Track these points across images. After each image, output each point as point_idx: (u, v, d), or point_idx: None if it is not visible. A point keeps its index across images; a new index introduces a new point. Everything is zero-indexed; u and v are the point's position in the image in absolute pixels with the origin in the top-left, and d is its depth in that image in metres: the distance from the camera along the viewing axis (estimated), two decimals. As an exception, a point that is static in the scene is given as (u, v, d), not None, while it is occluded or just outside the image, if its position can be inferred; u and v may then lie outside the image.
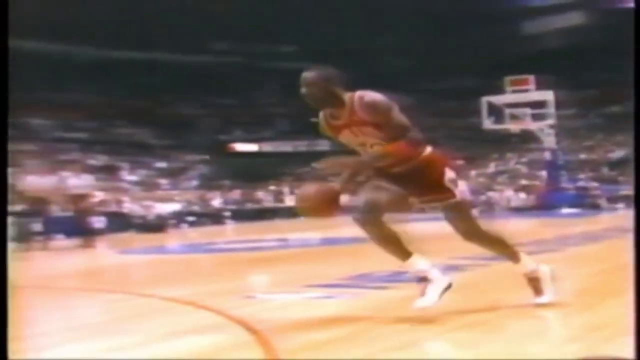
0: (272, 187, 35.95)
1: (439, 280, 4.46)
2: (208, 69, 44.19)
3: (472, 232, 4.70)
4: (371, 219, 4.43)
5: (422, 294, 4.42)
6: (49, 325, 5.54)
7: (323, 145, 43.88)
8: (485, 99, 32.40)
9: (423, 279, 4.45)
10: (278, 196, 34.60)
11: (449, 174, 4.52)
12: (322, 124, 4.62)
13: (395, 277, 5.94)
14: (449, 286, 4.48)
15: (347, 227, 5.29)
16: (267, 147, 45.49)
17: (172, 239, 21.28)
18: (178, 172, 38.75)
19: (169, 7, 39.24)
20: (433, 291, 4.41)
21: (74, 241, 18.30)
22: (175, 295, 6.37)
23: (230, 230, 25.19)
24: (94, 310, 6.50)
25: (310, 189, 4.71)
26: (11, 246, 17.78)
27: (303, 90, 4.44)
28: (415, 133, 4.43)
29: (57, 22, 36.18)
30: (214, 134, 43.66)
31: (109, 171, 32.96)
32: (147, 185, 34.26)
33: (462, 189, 4.59)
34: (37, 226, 18.60)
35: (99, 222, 20.47)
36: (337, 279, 6.55)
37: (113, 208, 25.89)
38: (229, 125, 45.08)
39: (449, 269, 5.59)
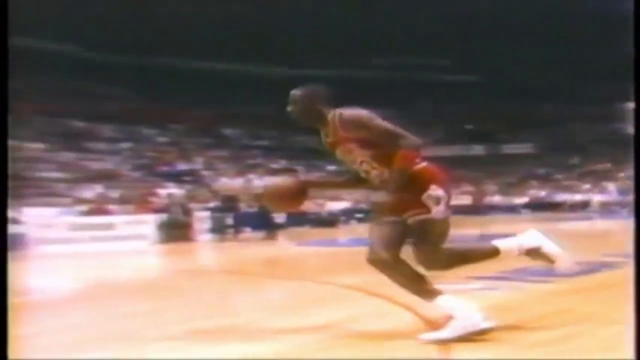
0: (429, 188, 35.71)
1: (467, 320, 3.67)
2: (370, 82, 44.43)
3: (432, 258, 3.88)
4: (390, 258, 3.85)
5: (443, 326, 3.72)
6: (242, 305, 5.67)
7: (477, 150, 43.47)
8: (630, 105, 30.85)
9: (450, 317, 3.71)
10: (434, 196, 34.31)
11: (434, 191, 3.88)
12: (323, 142, 4.21)
13: (550, 272, 5.73)
14: (482, 331, 3.67)
15: (500, 225, 5.12)
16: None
17: (343, 233, 21.38)
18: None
19: (339, 29, 39.65)
20: (453, 328, 3.66)
21: (259, 234, 18.78)
22: (347, 283, 6.40)
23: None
24: (277, 294, 6.62)
25: (276, 183, 4.30)
26: (209, 237, 18.56)
27: (288, 108, 4.10)
28: (412, 138, 3.95)
29: (252, 44, 37.21)
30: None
31: (288, 174, 33.58)
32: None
33: (441, 209, 3.84)
34: (229, 220, 19.22)
35: (280, 217, 20.86)
36: (497, 272, 6.27)
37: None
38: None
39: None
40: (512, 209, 33.87)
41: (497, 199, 35.72)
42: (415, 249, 3.90)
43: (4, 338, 2.53)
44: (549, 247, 4.08)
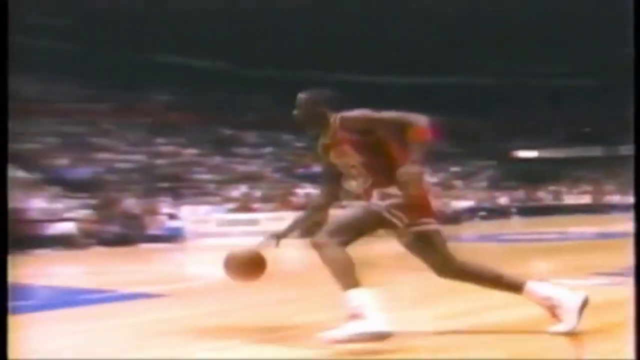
0: (551, 188, 34.80)
1: (372, 322, 3.28)
2: (490, 88, 43.59)
3: (447, 266, 3.73)
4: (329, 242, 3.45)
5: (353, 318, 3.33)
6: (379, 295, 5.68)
7: (595, 151, 41.80)
8: None
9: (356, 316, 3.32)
10: (557, 195, 33.41)
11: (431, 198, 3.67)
12: (319, 146, 3.90)
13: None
14: (382, 336, 3.29)
15: (619, 223, 4.85)
16: (546, 153, 44.13)
17: (467, 230, 21.07)
18: (470, 175, 38.43)
19: (456, 36, 39.06)
20: (355, 327, 3.29)
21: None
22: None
23: (516, 224, 24.49)
24: (410, 285, 6.56)
25: (235, 255, 3.91)
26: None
27: (294, 112, 3.85)
28: (420, 116, 3.53)
29: (373, 56, 37.26)
30: (499, 143, 42.89)
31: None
32: (445, 186, 34.26)
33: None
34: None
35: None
36: (619, 268, 5.96)
37: (418, 204, 26.09)
38: (511, 135, 44.10)
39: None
40: (629, 208, 32.36)
41: (616, 198, 34.21)
42: (429, 260, 3.76)
43: (4, 338, 2.39)
44: (572, 318, 3.52)
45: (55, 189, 20.37)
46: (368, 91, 38.16)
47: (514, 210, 30.21)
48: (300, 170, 27.32)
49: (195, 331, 4.09)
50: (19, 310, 6.41)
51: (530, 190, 33.42)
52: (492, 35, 38.73)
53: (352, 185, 3.76)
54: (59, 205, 19.34)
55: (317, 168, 27.81)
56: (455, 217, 26.06)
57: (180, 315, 4.46)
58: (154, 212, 20.15)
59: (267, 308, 5.30)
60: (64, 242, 16.69)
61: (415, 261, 3.89)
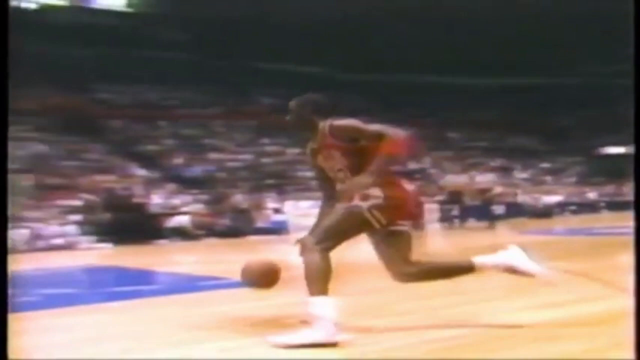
0: (638, 183, 33.37)
1: (324, 330, 3.29)
2: (578, 87, 42.09)
3: (405, 270, 3.65)
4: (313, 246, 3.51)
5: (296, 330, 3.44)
6: (471, 287, 5.61)
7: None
8: None
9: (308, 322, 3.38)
10: (644, 190, 32.00)
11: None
12: (308, 150, 3.90)
13: None
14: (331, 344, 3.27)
15: None
16: (631, 149, 42.32)
17: (557, 223, 20.49)
18: (559, 171, 37.29)
19: (543, 37, 37.90)
20: (307, 335, 3.33)
21: (481, 224, 18.45)
22: (565, 268, 6.12)
23: (605, 218, 23.58)
24: (501, 277, 6.46)
25: (252, 264, 3.96)
26: (437, 226, 18.52)
27: (287, 117, 3.83)
28: (398, 130, 3.48)
29: (464, 59, 36.66)
30: (587, 140, 41.40)
31: (506, 171, 32.57)
32: (535, 182, 33.37)
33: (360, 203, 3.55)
34: (455, 212, 19.07)
35: (499, 209, 20.37)
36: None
37: (509, 199, 25.56)
38: (599, 132, 42.48)
39: None
40: None
41: None
42: (388, 260, 3.69)
43: (4, 338, 2.31)
44: (525, 265, 3.75)
45: (172, 186, 21.07)
46: (461, 92, 37.70)
47: (602, 204, 29.08)
48: (398, 167, 27.26)
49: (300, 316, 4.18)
50: (143, 294, 6.73)
51: (618, 186, 32.09)
52: (583, 35, 37.37)
53: (339, 187, 3.72)
54: (175, 200, 20.00)
55: (412, 165, 27.66)
56: (547, 212, 25.40)
57: (286, 302, 4.56)
58: (260, 206, 20.57)
59: (365, 296, 5.33)
60: (180, 233, 17.28)
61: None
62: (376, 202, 3.53)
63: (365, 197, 3.53)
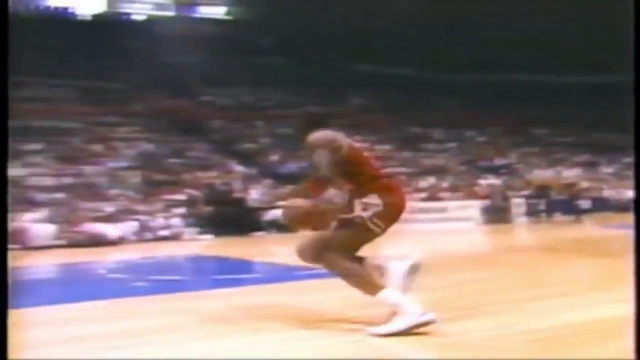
0: None
1: (410, 315, 3.32)
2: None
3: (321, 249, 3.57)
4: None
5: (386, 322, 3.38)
6: (554, 278, 5.43)
7: None
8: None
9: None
10: None
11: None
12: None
13: None
14: (422, 325, 3.30)
15: None
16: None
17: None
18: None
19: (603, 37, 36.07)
20: (398, 323, 3.33)
21: (568, 218, 17.87)
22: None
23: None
24: (584, 270, 6.25)
25: (295, 204, 3.80)
26: (524, 220, 18.04)
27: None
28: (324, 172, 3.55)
29: (544, 56, 35.46)
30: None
31: (592, 166, 31.29)
32: (619, 176, 31.93)
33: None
34: (542, 206, 18.56)
35: (585, 203, 19.64)
36: None
37: (595, 193, 24.57)
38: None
39: None
40: None
41: None
42: (327, 237, 3.61)
43: (4, 338, 2.28)
44: (398, 282, 3.56)
45: (268, 181, 21.43)
46: (546, 90, 36.47)
47: None
48: (483, 163, 26.66)
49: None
50: (242, 283, 6.90)
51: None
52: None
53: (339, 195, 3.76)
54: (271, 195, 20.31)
55: (498, 161, 27.04)
56: (630, 206, 24.29)
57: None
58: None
59: (456, 287, 5.27)
60: (276, 226, 17.56)
61: (593, 247, 3.71)
62: (376, 210, 3.53)
63: (365, 207, 3.54)
